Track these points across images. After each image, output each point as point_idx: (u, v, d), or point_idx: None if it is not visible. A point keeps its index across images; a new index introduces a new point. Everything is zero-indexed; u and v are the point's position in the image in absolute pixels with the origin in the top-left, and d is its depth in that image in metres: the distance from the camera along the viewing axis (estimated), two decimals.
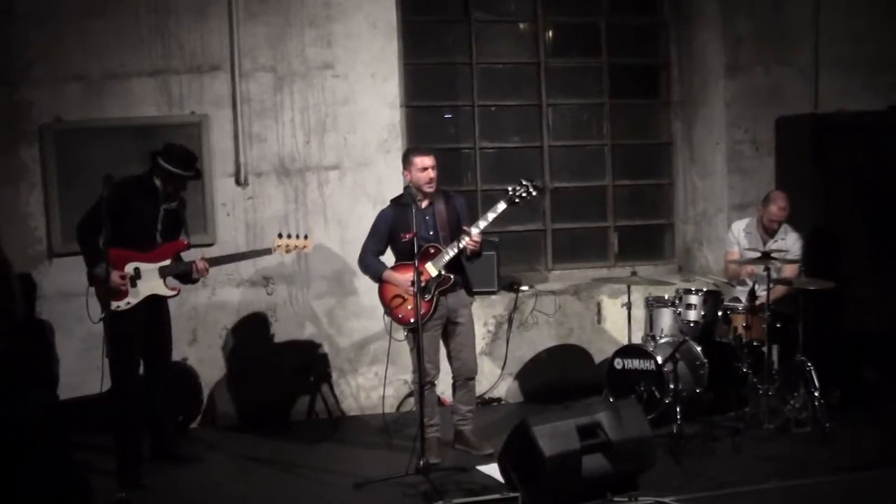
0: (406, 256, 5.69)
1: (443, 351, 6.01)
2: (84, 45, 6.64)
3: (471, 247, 5.68)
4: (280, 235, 5.96)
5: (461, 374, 5.96)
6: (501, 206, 5.72)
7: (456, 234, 5.76)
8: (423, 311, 5.63)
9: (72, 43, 6.62)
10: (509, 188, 5.79)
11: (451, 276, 5.73)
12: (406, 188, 5.79)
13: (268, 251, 6.00)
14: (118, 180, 5.26)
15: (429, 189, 5.77)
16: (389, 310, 5.79)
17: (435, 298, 5.72)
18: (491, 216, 5.69)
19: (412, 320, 5.63)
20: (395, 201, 5.88)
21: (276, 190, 6.95)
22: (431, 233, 5.78)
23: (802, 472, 5.35)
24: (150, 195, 5.64)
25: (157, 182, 5.65)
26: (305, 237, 6.01)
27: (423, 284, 5.63)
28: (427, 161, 5.74)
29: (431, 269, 5.70)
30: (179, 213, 5.81)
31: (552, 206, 7.95)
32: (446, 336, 5.92)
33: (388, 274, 5.77)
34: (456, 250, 5.68)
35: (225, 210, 6.89)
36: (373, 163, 7.07)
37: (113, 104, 6.71)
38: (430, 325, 5.76)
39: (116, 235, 5.27)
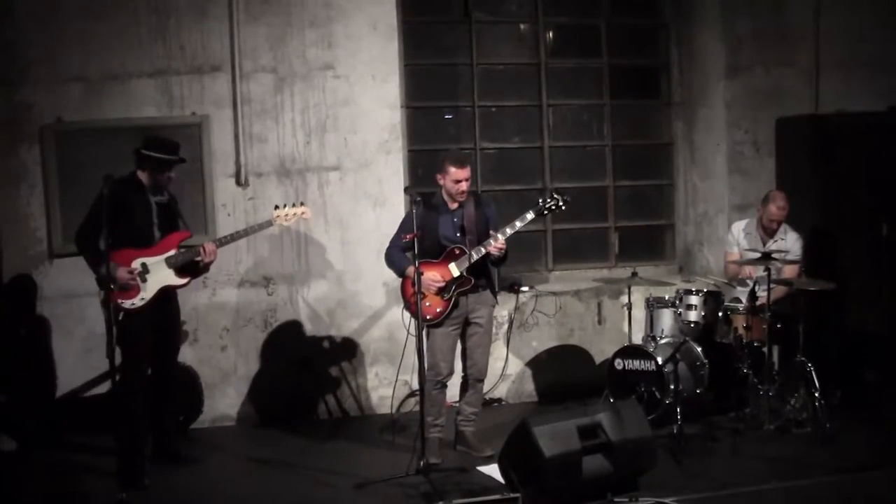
0: (429, 255, 5.73)
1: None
2: (85, 45, 6.64)
3: (494, 252, 5.71)
4: (277, 207, 5.96)
5: (471, 375, 5.98)
6: (530, 215, 5.76)
7: (483, 237, 5.79)
8: (439, 310, 5.71)
9: (72, 44, 6.63)
10: (540, 199, 5.83)
11: (472, 279, 5.76)
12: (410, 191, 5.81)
13: (269, 223, 5.97)
14: (104, 186, 5.23)
15: (459, 199, 5.82)
16: (408, 305, 5.81)
17: (453, 298, 5.74)
18: (518, 224, 5.74)
19: (429, 317, 5.70)
20: (426, 200, 5.86)
21: (276, 190, 6.95)
22: (458, 234, 5.82)
23: (803, 473, 5.35)
24: (139, 191, 5.65)
25: (143, 177, 5.66)
26: (302, 204, 6.01)
27: (442, 284, 5.69)
28: (461, 174, 5.76)
29: (454, 270, 5.74)
30: (172, 207, 5.82)
31: None
32: (463, 335, 5.94)
33: (411, 270, 5.74)
34: (480, 254, 5.71)
35: (225, 210, 6.89)
36: (373, 163, 7.07)
37: (113, 105, 6.71)
38: (446, 324, 5.79)
39: (116, 237, 5.26)
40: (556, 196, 5.81)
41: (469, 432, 6.01)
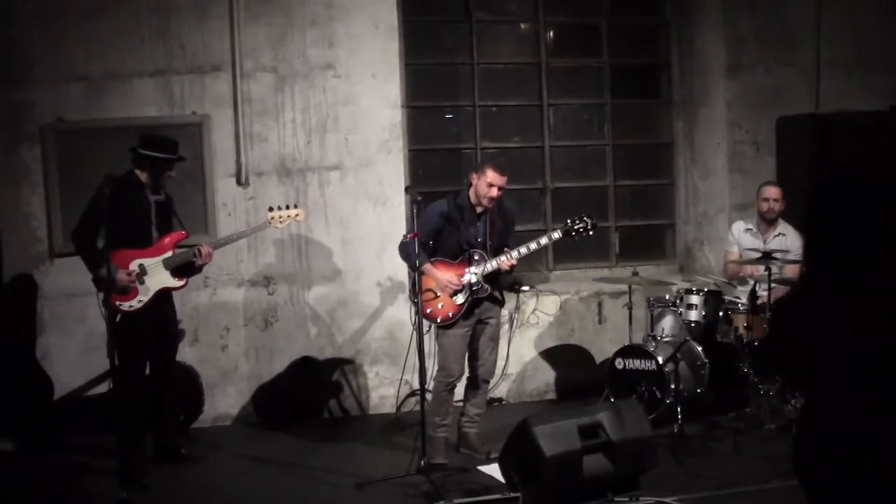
0: (448, 255, 5.71)
1: None
2: (86, 45, 6.65)
3: (505, 268, 5.70)
4: (271, 209, 5.96)
5: (479, 376, 5.95)
6: (556, 234, 5.73)
7: (503, 242, 5.77)
8: (451, 314, 5.67)
9: (73, 43, 6.63)
10: (569, 219, 5.78)
11: (488, 287, 5.72)
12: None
13: (264, 225, 5.98)
14: (103, 184, 5.23)
15: (486, 203, 5.71)
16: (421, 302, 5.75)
17: (466, 304, 5.71)
18: (544, 241, 5.72)
19: (439, 319, 5.66)
20: (452, 199, 5.81)
21: (277, 190, 6.95)
22: (479, 239, 5.76)
23: None
24: (138, 190, 5.65)
25: (142, 175, 5.66)
26: (296, 206, 6.02)
27: (459, 287, 5.65)
28: (498, 181, 5.62)
29: (471, 276, 5.70)
30: (169, 206, 5.81)
31: (553, 206, 7.95)
32: (472, 335, 5.89)
33: (427, 267, 5.68)
34: (493, 267, 5.68)
35: (226, 210, 6.89)
36: (374, 163, 7.07)
37: (114, 104, 6.71)
38: (459, 324, 5.73)
39: (113, 237, 5.26)
40: (586, 219, 5.72)
41: (473, 434, 5.99)
